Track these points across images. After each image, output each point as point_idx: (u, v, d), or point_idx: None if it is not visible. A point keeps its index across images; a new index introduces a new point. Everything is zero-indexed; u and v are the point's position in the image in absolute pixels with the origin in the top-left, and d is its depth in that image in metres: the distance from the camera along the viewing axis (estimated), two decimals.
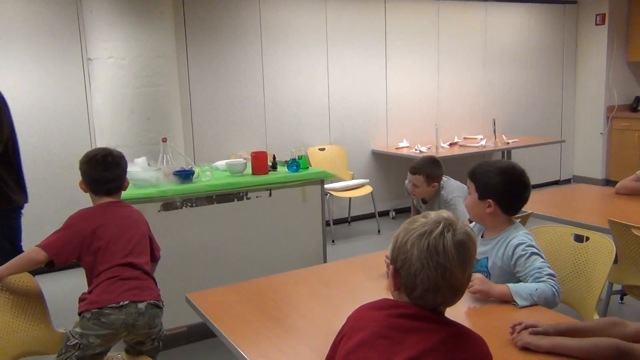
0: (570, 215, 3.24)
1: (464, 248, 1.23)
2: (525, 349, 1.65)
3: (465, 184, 2.36)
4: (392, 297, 1.34)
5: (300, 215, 3.65)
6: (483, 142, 6.26)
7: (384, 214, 6.38)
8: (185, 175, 3.34)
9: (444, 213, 1.28)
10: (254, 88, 5.63)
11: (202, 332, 3.31)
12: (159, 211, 3.22)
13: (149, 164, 3.39)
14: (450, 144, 6.33)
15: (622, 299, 3.80)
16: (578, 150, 8.00)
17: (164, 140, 3.44)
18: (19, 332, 2.30)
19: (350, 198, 6.18)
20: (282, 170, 3.72)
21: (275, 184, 3.54)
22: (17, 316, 2.30)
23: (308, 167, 3.77)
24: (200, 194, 3.32)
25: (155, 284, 2.47)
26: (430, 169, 3.54)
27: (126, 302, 2.28)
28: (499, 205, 2.20)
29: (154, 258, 2.60)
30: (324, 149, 6.04)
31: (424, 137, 6.46)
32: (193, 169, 3.48)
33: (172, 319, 3.03)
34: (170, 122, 4.50)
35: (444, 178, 3.61)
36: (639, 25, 7.35)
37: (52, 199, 4.81)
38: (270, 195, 3.54)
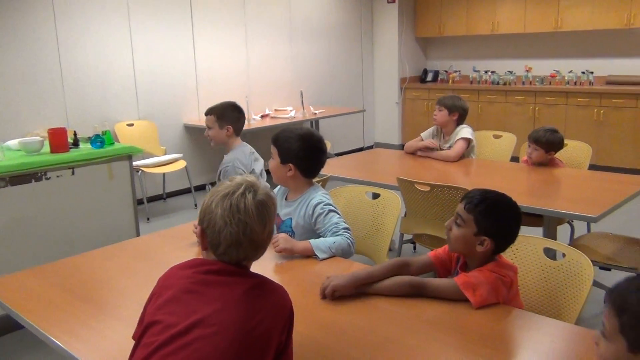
0: (365, 177, 3.58)
1: (264, 207, 1.35)
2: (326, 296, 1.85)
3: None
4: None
5: (108, 193, 3.52)
6: (292, 114, 6.53)
7: (200, 188, 6.37)
8: None
9: (248, 177, 1.39)
10: (49, 60, 5.18)
11: (7, 325, 3.05)
12: None
13: None
14: (262, 116, 6.49)
15: (414, 248, 4.30)
16: (378, 119, 8.72)
17: None
18: None
19: (164, 174, 6.05)
20: (85, 147, 3.53)
21: (78, 161, 3.36)
22: None
23: (113, 143, 3.62)
24: None
25: None
26: (223, 110, 3.37)
27: None
28: (299, 169, 2.38)
29: None
30: (132, 125, 5.80)
31: None
32: None
33: None
34: None
35: (244, 143, 3.51)
36: (425, 3, 8.18)
37: None
38: (73, 174, 3.35)
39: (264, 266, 2.17)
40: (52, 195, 3.28)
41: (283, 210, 2.45)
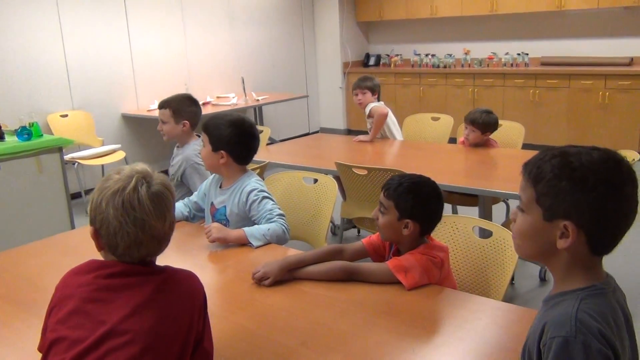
0: (305, 162, 3.57)
1: (160, 199, 1.23)
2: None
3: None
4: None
5: (38, 187, 3.38)
6: (234, 100, 6.43)
7: None
8: None
9: (138, 166, 1.27)
10: None
11: None
12: None
13: None
14: (203, 104, 6.36)
15: (359, 232, 4.32)
16: (323, 104, 8.71)
17: None
18: None
19: (102, 165, 5.86)
20: (11, 140, 3.37)
21: (4, 155, 3.21)
22: None
23: (42, 135, 3.48)
24: None
25: None
26: (180, 104, 3.12)
27: None
28: (231, 156, 2.33)
29: None
30: (66, 115, 5.59)
31: None
32: None
33: None
34: None
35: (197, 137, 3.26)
36: None
37: None
38: None
39: (198, 254, 2.14)
40: None
41: (217, 199, 2.41)
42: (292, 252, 2.10)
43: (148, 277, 1.25)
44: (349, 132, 8.39)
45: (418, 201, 1.84)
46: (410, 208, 1.82)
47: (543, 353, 1.02)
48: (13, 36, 5.15)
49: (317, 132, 8.59)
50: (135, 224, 1.19)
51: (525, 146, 4.02)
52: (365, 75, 4.38)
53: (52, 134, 5.30)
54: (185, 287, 1.28)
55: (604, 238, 1.06)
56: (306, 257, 1.92)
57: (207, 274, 2.01)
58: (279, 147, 4.38)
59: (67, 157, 5.25)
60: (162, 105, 3.13)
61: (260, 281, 1.83)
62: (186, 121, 3.10)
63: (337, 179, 3.02)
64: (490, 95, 7.04)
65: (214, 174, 2.50)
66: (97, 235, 1.24)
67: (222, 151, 2.32)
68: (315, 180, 2.83)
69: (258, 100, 6.63)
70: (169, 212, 1.26)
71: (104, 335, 1.16)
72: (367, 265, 1.87)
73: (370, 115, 4.18)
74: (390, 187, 1.87)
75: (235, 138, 2.32)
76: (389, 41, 8.45)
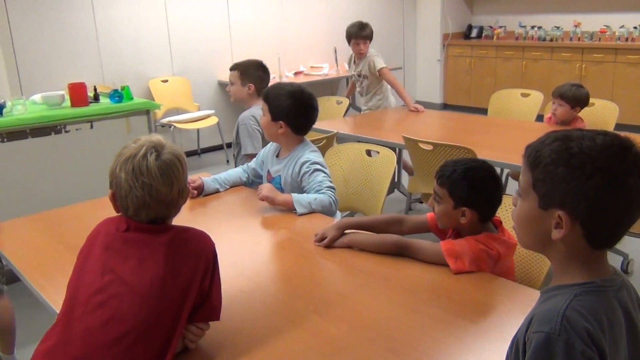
0: (372, 134, 3.55)
1: (168, 167, 1.33)
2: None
3: None
4: None
5: None
6: (325, 71, 6.47)
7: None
8: None
9: (154, 137, 1.37)
10: (84, 16, 5.31)
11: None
12: None
13: None
14: (295, 73, 6.47)
15: None
16: (420, 77, 8.51)
17: None
18: None
19: (198, 130, 6.18)
20: (104, 101, 3.65)
21: (96, 115, 3.48)
22: None
23: (132, 98, 3.72)
24: (11, 128, 3.18)
25: None
26: (248, 68, 3.25)
27: None
28: (290, 126, 2.37)
29: None
30: (167, 81, 5.91)
31: (270, 66, 6.51)
32: (6, 102, 3.31)
33: None
34: None
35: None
36: None
37: None
38: (91, 127, 3.48)
39: (250, 218, 2.21)
40: (71, 147, 3.42)
41: (273, 167, 2.47)
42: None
43: (158, 234, 1.34)
44: (445, 106, 8.16)
45: (473, 188, 1.74)
46: (465, 196, 1.74)
47: (527, 346, 0.98)
48: (122, 6, 5.51)
49: None
50: (143, 188, 1.30)
51: (624, 128, 3.71)
52: (361, 22, 4.48)
53: (152, 97, 5.65)
54: (192, 245, 1.36)
55: (602, 232, 0.96)
56: (364, 221, 1.96)
57: (254, 237, 2.08)
58: (354, 119, 4.37)
59: (164, 120, 5.59)
60: (232, 67, 3.28)
61: (320, 241, 1.90)
62: (251, 84, 3.21)
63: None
64: (599, 72, 6.53)
65: (271, 143, 2.56)
66: (114, 198, 1.37)
67: (280, 121, 2.36)
68: (373, 153, 2.81)
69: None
70: (177, 179, 1.35)
71: (110, 282, 1.27)
72: (420, 242, 1.81)
73: (370, 73, 4.40)
74: (444, 175, 1.78)
75: (295, 109, 2.35)
76: (494, 12, 8.04)
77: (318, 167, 2.33)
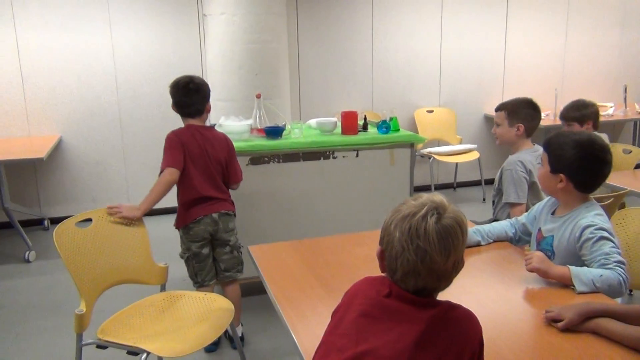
0: None
1: (448, 234, 1.17)
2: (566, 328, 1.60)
3: None
4: None
5: (388, 178, 3.63)
6: (610, 111, 5.71)
7: (490, 182, 6.10)
8: (274, 131, 3.44)
9: (436, 197, 1.23)
10: (363, 47, 5.57)
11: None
12: (247, 164, 3.36)
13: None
14: None
15: None
16: None
17: (258, 96, 3.56)
18: (122, 261, 2.50)
19: (457, 163, 6.00)
20: (372, 131, 3.70)
21: (363, 144, 3.54)
22: (121, 247, 2.52)
23: (399, 130, 3.71)
24: (287, 151, 3.42)
25: (228, 197, 2.95)
26: (516, 106, 2.98)
27: (201, 216, 2.82)
28: (572, 181, 2.04)
29: (235, 179, 2.98)
30: (432, 111, 5.87)
31: (544, 103, 5.99)
32: (286, 125, 3.58)
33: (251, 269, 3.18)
34: (277, 78, 4.59)
35: (537, 146, 3.11)
36: None
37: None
38: (357, 155, 3.55)
39: (513, 288, 1.95)
40: (336, 174, 3.54)
41: (546, 225, 2.15)
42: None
43: (421, 309, 1.19)
44: None
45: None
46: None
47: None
48: (398, 36, 5.64)
49: None
50: (416, 253, 1.17)
51: None
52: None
53: (416, 127, 5.65)
54: (459, 327, 1.18)
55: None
56: (614, 309, 1.58)
57: (514, 311, 1.81)
58: None
59: (424, 150, 5.54)
60: (499, 107, 3.05)
61: (552, 321, 1.61)
62: (521, 124, 2.95)
63: None
64: None
65: (548, 197, 2.24)
66: (382, 256, 1.26)
67: (561, 174, 2.05)
68: None
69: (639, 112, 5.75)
70: (454, 249, 1.19)
71: (364, 353, 1.16)
72: None
73: None
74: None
75: (580, 162, 2.02)
76: None
77: (605, 234, 1.94)
